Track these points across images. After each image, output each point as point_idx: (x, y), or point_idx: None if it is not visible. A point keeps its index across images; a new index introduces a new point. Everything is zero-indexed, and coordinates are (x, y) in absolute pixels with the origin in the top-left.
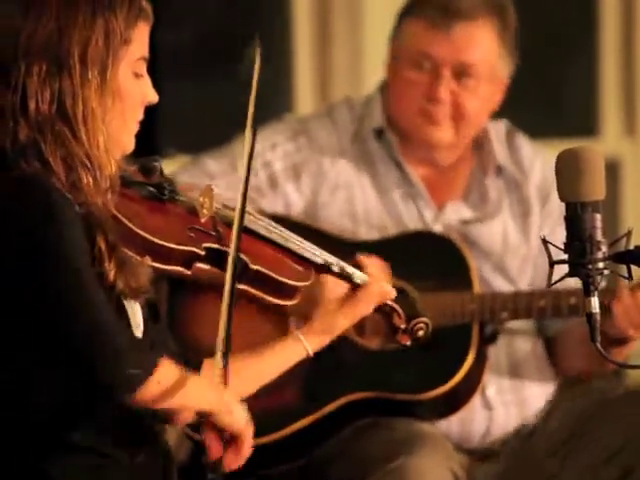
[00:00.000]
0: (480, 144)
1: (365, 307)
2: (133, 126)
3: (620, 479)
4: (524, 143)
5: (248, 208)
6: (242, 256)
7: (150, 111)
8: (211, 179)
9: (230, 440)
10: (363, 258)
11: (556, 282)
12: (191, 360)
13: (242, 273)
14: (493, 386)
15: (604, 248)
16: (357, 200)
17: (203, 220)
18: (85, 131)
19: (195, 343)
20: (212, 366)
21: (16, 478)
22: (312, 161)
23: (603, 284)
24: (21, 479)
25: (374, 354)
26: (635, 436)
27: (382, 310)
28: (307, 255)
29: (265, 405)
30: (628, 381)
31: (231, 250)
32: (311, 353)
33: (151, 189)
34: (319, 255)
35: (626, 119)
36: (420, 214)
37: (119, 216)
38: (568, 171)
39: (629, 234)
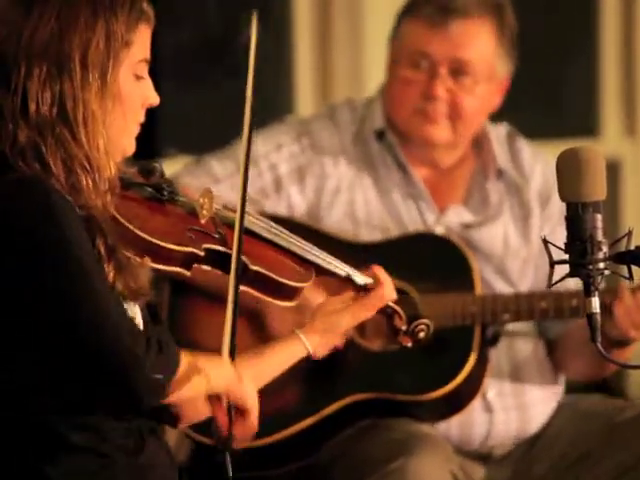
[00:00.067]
0: (480, 147)
1: (368, 309)
2: (134, 128)
3: None
4: (525, 146)
5: (248, 209)
6: (242, 257)
7: (151, 112)
8: (215, 182)
9: (238, 413)
10: (376, 268)
11: (556, 282)
12: None
13: (242, 274)
14: (494, 389)
15: (605, 248)
16: (358, 201)
17: (203, 221)
18: (85, 133)
19: (196, 346)
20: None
21: (16, 478)
22: (315, 163)
23: (603, 284)
24: (21, 479)
25: (375, 355)
26: None
27: (383, 312)
28: (307, 256)
29: (266, 406)
30: (630, 393)
31: (233, 256)
32: (312, 352)
33: (150, 190)
34: (320, 256)
35: (626, 119)
36: (421, 216)
37: (119, 217)
38: (569, 171)
39: (630, 234)
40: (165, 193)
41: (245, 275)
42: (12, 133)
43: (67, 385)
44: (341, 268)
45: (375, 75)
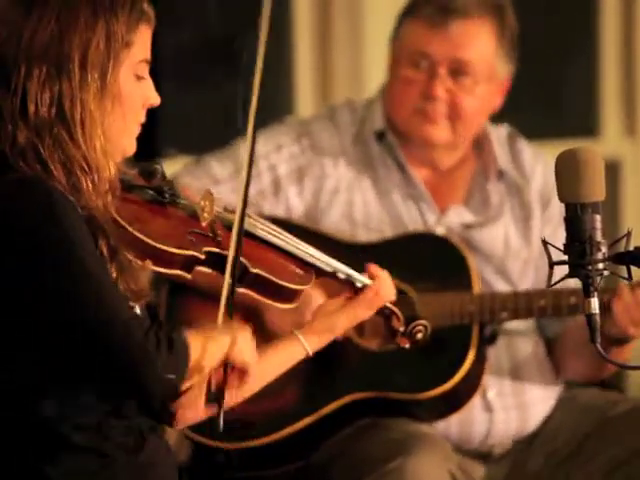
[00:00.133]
0: (481, 148)
1: (366, 310)
2: (134, 129)
3: None
4: (525, 147)
5: (248, 211)
6: (242, 259)
7: (151, 112)
8: (215, 183)
9: (235, 371)
10: (373, 267)
11: (555, 283)
12: None
13: (242, 276)
14: (494, 388)
15: (604, 249)
16: (357, 203)
17: (204, 224)
18: (82, 134)
19: None
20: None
21: (16, 478)
22: (315, 163)
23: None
24: (21, 479)
25: (374, 354)
26: (636, 453)
27: (381, 313)
28: (307, 258)
29: (265, 406)
30: (630, 393)
31: (230, 255)
32: (310, 353)
33: (152, 193)
34: (319, 258)
35: (626, 120)
36: (422, 216)
37: (120, 220)
38: (568, 172)
39: (629, 235)
40: (166, 196)
41: (245, 278)
42: (12, 134)
43: (78, 385)
44: (340, 270)
45: (375, 75)
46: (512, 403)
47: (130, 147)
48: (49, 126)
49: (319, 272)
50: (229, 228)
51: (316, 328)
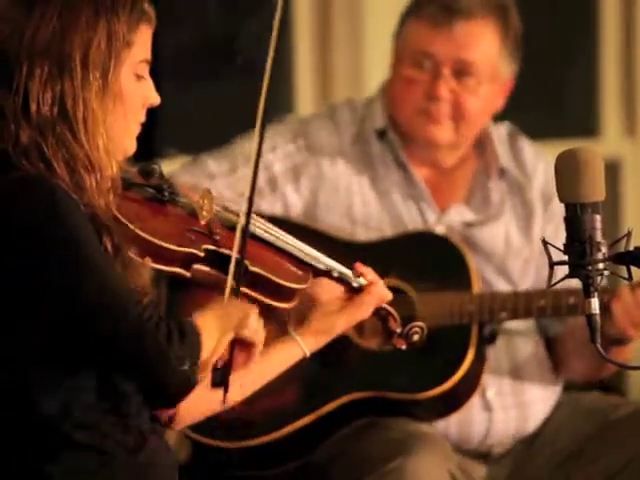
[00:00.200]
0: (483, 146)
1: (363, 310)
2: (135, 128)
3: None
4: (527, 146)
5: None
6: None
7: (151, 112)
8: (211, 179)
9: (241, 346)
10: (360, 265)
11: (555, 283)
12: None
13: (240, 275)
14: (493, 388)
15: (604, 249)
16: (356, 201)
17: (203, 222)
18: (85, 132)
19: None
20: None
21: (16, 478)
22: (312, 162)
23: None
24: (21, 479)
25: (373, 354)
26: (637, 457)
27: (378, 314)
28: (305, 258)
29: (264, 405)
30: (630, 395)
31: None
32: (308, 354)
33: (151, 191)
34: (317, 258)
35: (626, 120)
36: (422, 216)
37: (120, 217)
38: (567, 172)
39: (629, 235)
40: (166, 194)
41: (243, 276)
42: (14, 133)
43: (86, 384)
44: (338, 269)
45: (375, 75)
46: (511, 402)
47: (131, 146)
48: (52, 125)
49: (317, 271)
50: (228, 227)
51: (313, 329)
